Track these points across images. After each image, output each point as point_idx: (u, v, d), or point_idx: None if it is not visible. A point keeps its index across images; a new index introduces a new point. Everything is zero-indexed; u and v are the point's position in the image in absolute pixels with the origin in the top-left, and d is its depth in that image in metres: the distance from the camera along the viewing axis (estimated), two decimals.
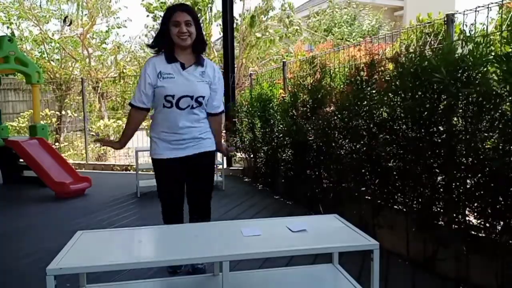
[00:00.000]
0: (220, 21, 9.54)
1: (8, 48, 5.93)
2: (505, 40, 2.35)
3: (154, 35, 2.56)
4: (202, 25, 2.58)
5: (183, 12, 2.34)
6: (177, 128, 2.44)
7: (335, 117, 3.55)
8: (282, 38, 9.98)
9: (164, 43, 2.41)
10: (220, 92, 2.56)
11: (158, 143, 2.49)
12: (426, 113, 2.56)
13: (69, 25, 10.72)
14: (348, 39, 12.07)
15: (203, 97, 2.44)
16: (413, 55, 2.70)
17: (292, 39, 10.31)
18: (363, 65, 3.38)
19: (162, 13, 9.81)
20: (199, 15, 9.49)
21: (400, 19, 17.41)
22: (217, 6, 9.75)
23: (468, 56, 2.32)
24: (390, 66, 3.00)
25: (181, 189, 2.60)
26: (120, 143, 2.59)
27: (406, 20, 14.94)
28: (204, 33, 2.57)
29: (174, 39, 2.34)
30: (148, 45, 2.51)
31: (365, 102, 3.15)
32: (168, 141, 2.47)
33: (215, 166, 2.74)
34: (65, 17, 10.74)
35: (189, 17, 2.34)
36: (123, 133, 2.60)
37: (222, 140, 2.79)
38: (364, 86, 3.22)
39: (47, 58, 10.88)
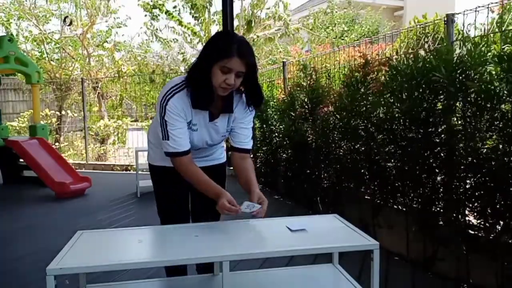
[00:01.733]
0: (218, 20, 9.55)
1: (8, 48, 5.94)
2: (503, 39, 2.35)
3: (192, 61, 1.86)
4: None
5: (241, 61, 1.72)
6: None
7: (334, 118, 3.56)
8: (282, 36, 9.96)
9: (198, 81, 1.79)
10: (249, 127, 1.98)
11: (157, 152, 2.04)
12: (424, 113, 2.57)
13: (69, 25, 10.72)
14: (343, 38, 12.07)
15: (220, 142, 2.05)
16: (408, 56, 2.70)
17: (292, 38, 10.31)
18: (358, 66, 3.39)
19: (161, 13, 9.89)
20: (198, 15, 9.48)
21: (400, 19, 17.41)
22: (217, 6, 9.76)
23: (466, 56, 2.32)
24: (385, 68, 3.02)
25: (186, 205, 2.18)
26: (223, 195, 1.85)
27: (406, 20, 14.93)
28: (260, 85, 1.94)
29: (215, 86, 1.76)
30: (188, 76, 1.84)
31: (363, 102, 3.16)
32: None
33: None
34: (65, 17, 10.74)
35: (246, 68, 1.75)
36: (208, 187, 1.90)
37: (257, 189, 1.97)
38: (359, 87, 3.23)
39: (47, 58, 10.87)
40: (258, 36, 9.43)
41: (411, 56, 2.74)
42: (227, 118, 1.93)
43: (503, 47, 2.23)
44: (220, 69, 1.72)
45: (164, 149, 1.86)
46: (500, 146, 2.20)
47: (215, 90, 1.78)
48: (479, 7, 2.62)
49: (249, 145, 2.00)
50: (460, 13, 2.78)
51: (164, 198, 2.14)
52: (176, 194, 2.12)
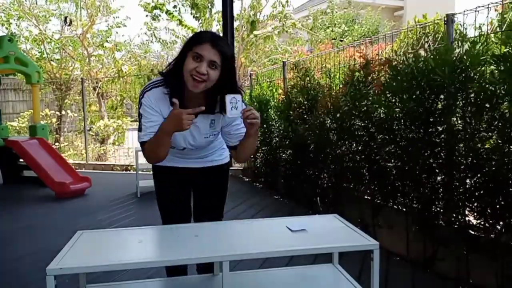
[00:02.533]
0: (218, 19, 9.55)
1: (8, 48, 5.94)
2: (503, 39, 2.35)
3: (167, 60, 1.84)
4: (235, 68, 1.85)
5: (214, 48, 1.65)
6: (183, 156, 2.00)
7: (331, 118, 3.56)
8: (280, 34, 9.95)
9: (173, 77, 1.74)
10: (242, 127, 1.87)
11: None
12: (424, 113, 2.57)
13: (69, 25, 10.72)
14: (342, 39, 12.07)
15: (210, 144, 1.98)
16: (409, 56, 2.71)
17: (290, 35, 10.30)
18: (358, 66, 3.40)
19: (162, 13, 9.89)
20: (198, 14, 9.48)
21: (400, 19, 17.41)
22: (217, 7, 9.76)
23: (465, 56, 2.32)
24: (386, 68, 3.02)
25: (187, 207, 2.15)
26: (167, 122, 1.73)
27: (406, 20, 14.94)
28: (238, 81, 1.86)
29: (185, 75, 1.67)
30: (160, 73, 1.80)
31: (363, 102, 3.16)
32: (173, 152, 1.96)
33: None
34: (65, 17, 10.74)
35: (219, 58, 1.66)
36: (160, 137, 1.78)
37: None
38: (360, 87, 3.23)
39: (47, 58, 10.87)
40: (256, 35, 9.42)
41: (411, 56, 2.74)
42: (210, 120, 1.84)
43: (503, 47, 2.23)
44: (192, 56, 1.65)
45: (138, 139, 1.82)
46: (500, 146, 2.20)
47: (187, 84, 1.68)
48: (479, 7, 2.62)
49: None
50: (460, 13, 2.78)
51: (166, 198, 2.12)
52: (178, 195, 2.10)
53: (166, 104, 1.76)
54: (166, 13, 9.81)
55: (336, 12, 13.45)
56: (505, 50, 2.12)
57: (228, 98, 1.65)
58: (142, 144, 1.80)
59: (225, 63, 1.69)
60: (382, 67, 3.09)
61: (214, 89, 1.73)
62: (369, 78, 3.20)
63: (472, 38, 2.35)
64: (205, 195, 2.14)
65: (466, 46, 2.36)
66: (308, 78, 4.19)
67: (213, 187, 2.14)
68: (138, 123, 1.82)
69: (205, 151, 2.03)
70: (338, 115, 3.41)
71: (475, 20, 2.62)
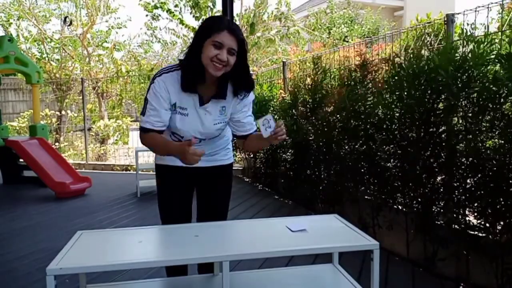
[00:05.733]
0: None
1: (8, 48, 5.94)
2: (508, 39, 2.35)
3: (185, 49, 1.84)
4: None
5: (232, 35, 1.73)
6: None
7: (334, 117, 3.56)
8: (283, 38, 9.98)
9: (189, 61, 1.79)
10: (251, 114, 1.99)
11: None
12: (425, 113, 2.57)
13: (69, 25, 10.72)
14: (347, 40, 12.07)
15: (218, 134, 1.99)
16: (411, 55, 2.70)
17: (293, 40, 10.31)
18: (355, 66, 3.40)
19: (163, 11, 9.88)
20: (198, 14, 9.48)
21: (400, 19, 17.41)
22: (218, 6, 9.75)
23: (469, 56, 2.32)
24: (386, 66, 3.02)
25: (188, 208, 2.12)
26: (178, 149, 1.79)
27: (406, 20, 14.94)
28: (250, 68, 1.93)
29: (205, 62, 1.74)
30: (180, 60, 1.85)
31: (361, 102, 3.16)
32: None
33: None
34: (65, 17, 10.74)
35: (237, 45, 1.75)
36: (167, 149, 1.86)
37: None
38: (358, 87, 3.23)
39: (47, 58, 10.88)
40: (259, 37, 9.43)
41: (413, 55, 2.73)
42: (220, 106, 1.89)
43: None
44: (212, 43, 1.72)
45: (140, 122, 1.88)
46: (502, 146, 2.20)
47: (206, 68, 1.75)
48: (479, 7, 2.62)
49: (254, 129, 2.00)
50: (460, 13, 2.78)
51: (168, 198, 2.08)
52: (180, 195, 2.07)
53: (177, 88, 1.81)
54: (167, 12, 9.80)
55: (336, 12, 13.45)
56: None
57: (261, 121, 1.73)
58: (142, 129, 1.86)
59: (241, 48, 1.78)
60: (383, 64, 3.08)
61: (226, 74, 1.80)
62: (367, 78, 3.19)
63: (477, 38, 2.35)
64: (209, 197, 2.12)
65: (470, 46, 2.35)
66: (319, 76, 4.17)
67: (217, 189, 2.12)
68: (142, 110, 1.88)
69: (210, 148, 2.01)
70: (342, 115, 3.41)
71: (475, 20, 2.63)
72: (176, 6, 9.78)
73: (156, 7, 9.86)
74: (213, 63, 1.73)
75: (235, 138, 2.09)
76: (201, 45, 1.75)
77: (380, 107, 2.93)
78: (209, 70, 1.75)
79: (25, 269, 2.97)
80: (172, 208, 2.08)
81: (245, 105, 1.94)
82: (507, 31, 2.52)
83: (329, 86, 4.03)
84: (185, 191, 2.07)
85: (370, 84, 3.17)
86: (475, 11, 2.62)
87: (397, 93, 2.72)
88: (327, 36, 12.01)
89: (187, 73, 1.79)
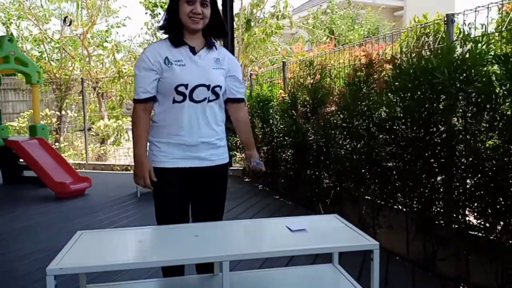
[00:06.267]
0: None
1: (8, 48, 5.94)
2: (505, 40, 2.35)
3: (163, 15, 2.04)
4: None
5: None
6: (190, 128, 1.96)
7: (335, 117, 3.56)
8: (273, 33, 9.92)
9: (168, 23, 1.97)
10: (240, 78, 2.13)
11: (163, 147, 1.98)
12: (425, 113, 2.57)
13: (69, 25, 10.72)
14: (348, 38, 12.06)
15: (220, 87, 2.00)
16: (411, 56, 2.70)
17: (292, 40, 10.30)
18: (361, 65, 3.39)
19: (162, 11, 9.86)
20: None
21: (400, 19, 17.42)
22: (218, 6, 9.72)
23: (467, 56, 2.32)
24: (388, 66, 3.02)
25: (186, 211, 2.10)
26: (139, 159, 1.96)
27: (406, 20, 14.94)
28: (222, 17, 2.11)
29: (184, 19, 1.91)
30: (159, 27, 2.04)
31: (365, 102, 3.16)
32: (175, 146, 1.97)
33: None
34: (65, 17, 10.74)
35: None
36: (135, 143, 1.98)
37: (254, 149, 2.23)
38: (362, 86, 3.23)
39: (47, 58, 10.87)
40: (252, 35, 9.41)
41: (414, 55, 2.73)
42: (214, 58, 2.01)
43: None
44: (185, 2, 1.89)
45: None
46: (501, 146, 2.20)
47: (187, 24, 1.92)
48: (479, 7, 2.62)
49: (241, 94, 2.12)
50: (460, 13, 2.78)
51: (166, 200, 2.04)
52: (178, 197, 2.04)
53: (167, 47, 1.96)
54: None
55: (336, 12, 13.44)
56: (510, 49, 2.12)
57: (257, 159, 2.22)
58: (135, 101, 1.99)
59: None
60: (386, 64, 3.08)
61: (208, 26, 1.98)
62: (371, 78, 3.19)
63: (475, 38, 2.35)
64: (209, 197, 2.10)
65: (468, 46, 2.35)
66: (318, 76, 4.17)
67: (217, 189, 2.11)
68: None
69: (216, 134, 2.04)
70: (343, 115, 3.41)
71: (475, 20, 2.63)
72: None
73: (156, 6, 9.85)
74: (190, 18, 1.90)
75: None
76: (176, 4, 1.92)
77: (384, 107, 2.93)
78: (189, 25, 1.92)
79: (25, 269, 2.97)
80: (170, 211, 2.03)
81: (233, 66, 2.09)
82: (504, 32, 2.51)
83: (330, 86, 4.03)
84: (183, 193, 2.04)
85: (375, 84, 3.17)
86: (475, 11, 2.62)
87: (400, 94, 2.72)
88: (328, 36, 11.99)
89: (171, 31, 1.98)
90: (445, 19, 2.86)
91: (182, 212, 2.07)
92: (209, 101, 1.98)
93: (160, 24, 2.03)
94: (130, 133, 9.58)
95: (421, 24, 3.45)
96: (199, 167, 2.01)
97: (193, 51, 1.97)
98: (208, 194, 2.09)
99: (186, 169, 1.98)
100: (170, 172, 1.98)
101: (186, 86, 1.92)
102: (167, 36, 2.01)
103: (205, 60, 1.99)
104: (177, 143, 1.96)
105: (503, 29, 2.55)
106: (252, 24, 9.40)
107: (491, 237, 2.30)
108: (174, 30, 1.97)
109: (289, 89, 4.86)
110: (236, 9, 8.76)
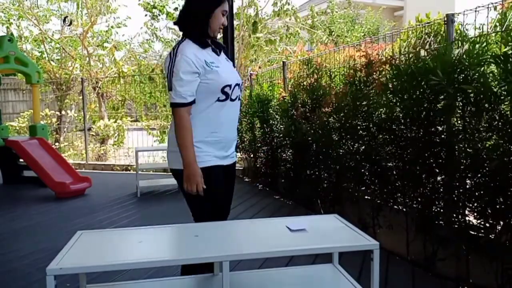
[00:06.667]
0: None
1: (8, 48, 5.94)
2: (503, 40, 2.35)
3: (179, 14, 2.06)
4: None
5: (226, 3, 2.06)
6: (228, 125, 2.04)
7: (334, 117, 3.56)
8: (283, 39, 9.95)
9: (197, 26, 1.98)
10: None
11: (203, 147, 1.98)
12: (424, 113, 2.57)
13: (69, 25, 10.71)
14: (347, 37, 12.06)
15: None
16: (409, 56, 2.71)
17: (292, 40, 10.29)
18: (360, 66, 3.39)
19: (162, 14, 9.86)
20: None
21: (400, 19, 17.42)
22: None
23: (464, 57, 2.32)
24: (387, 67, 3.02)
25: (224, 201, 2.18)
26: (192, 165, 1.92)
27: (406, 20, 14.94)
28: None
29: (214, 27, 1.99)
30: (175, 23, 2.06)
31: (364, 102, 3.16)
32: (212, 144, 2.01)
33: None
34: (65, 17, 10.73)
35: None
36: (186, 148, 1.92)
37: None
38: (362, 87, 3.23)
39: (47, 58, 10.87)
40: (259, 38, 9.41)
41: (412, 56, 2.74)
42: (224, 57, 2.10)
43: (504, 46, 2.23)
44: (222, 12, 1.99)
45: (170, 99, 1.96)
46: (500, 145, 2.20)
47: (212, 32, 2.01)
48: (479, 7, 2.62)
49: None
50: (460, 13, 2.78)
51: (212, 198, 2.03)
52: (223, 194, 2.09)
53: (198, 49, 1.97)
54: (166, 14, 9.83)
55: (336, 12, 13.44)
56: (505, 50, 2.12)
57: None
58: (180, 105, 1.92)
59: None
60: (384, 65, 3.08)
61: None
62: (370, 78, 3.19)
63: (472, 38, 2.35)
64: (228, 194, 2.20)
65: (466, 46, 2.36)
66: (316, 76, 4.17)
67: (230, 187, 2.20)
68: (167, 81, 1.98)
69: (237, 125, 2.15)
70: (342, 114, 3.41)
71: (475, 20, 2.62)
72: (175, 9, 9.78)
73: (155, 7, 9.87)
74: (219, 28, 2.03)
75: None
76: (212, 10, 1.97)
77: (384, 108, 2.93)
78: (215, 33, 2.03)
79: (25, 269, 2.97)
80: (219, 206, 2.09)
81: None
82: (499, 32, 2.51)
83: (330, 86, 4.03)
84: (228, 185, 2.15)
85: (374, 84, 3.17)
86: (475, 11, 2.62)
87: (399, 94, 2.72)
88: (328, 36, 11.98)
89: (196, 30, 1.98)
90: (445, 19, 2.86)
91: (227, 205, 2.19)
92: (239, 99, 2.09)
93: (179, 23, 2.03)
94: (130, 133, 9.62)
95: (421, 24, 3.44)
96: (229, 164, 2.11)
97: (216, 52, 2.04)
98: (230, 190, 2.20)
99: (223, 167, 2.06)
100: (215, 169, 2.02)
101: (230, 86, 1.99)
102: (184, 37, 2.00)
103: (226, 60, 2.10)
104: (214, 140, 2.01)
105: (502, 28, 2.55)
106: (258, 30, 9.38)
107: (491, 237, 2.30)
108: (200, 31, 1.99)
109: (289, 89, 4.86)
110: (235, 9, 8.76)
